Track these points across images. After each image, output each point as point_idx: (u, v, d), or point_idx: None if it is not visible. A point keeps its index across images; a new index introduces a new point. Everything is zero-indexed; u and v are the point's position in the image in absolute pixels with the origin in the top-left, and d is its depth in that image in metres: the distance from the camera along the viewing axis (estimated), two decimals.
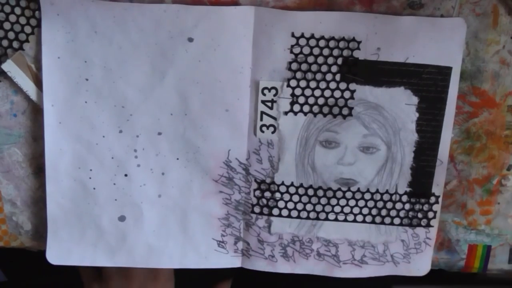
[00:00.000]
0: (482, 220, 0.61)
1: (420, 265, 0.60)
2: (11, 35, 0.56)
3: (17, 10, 0.55)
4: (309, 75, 0.55)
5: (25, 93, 0.57)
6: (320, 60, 0.54)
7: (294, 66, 0.54)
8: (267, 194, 0.58)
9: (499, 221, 0.61)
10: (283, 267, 0.61)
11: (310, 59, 0.54)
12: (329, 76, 0.55)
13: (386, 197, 0.58)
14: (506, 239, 0.62)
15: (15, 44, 0.56)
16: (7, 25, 0.55)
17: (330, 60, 0.54)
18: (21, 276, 0.92)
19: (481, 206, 0.60)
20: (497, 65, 0.56)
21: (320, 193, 0.58)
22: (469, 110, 0.57)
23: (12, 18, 0.55)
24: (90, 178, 0.59)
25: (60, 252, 0.60)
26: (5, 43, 0.56)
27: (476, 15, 0.54)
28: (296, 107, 0.55)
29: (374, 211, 0.58)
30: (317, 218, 0.59)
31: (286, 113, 0.56)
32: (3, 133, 0.59)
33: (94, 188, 0.59)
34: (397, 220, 0.58)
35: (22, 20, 0.55)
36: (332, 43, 0.54)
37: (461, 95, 0.56)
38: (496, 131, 0.58)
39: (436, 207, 0.58)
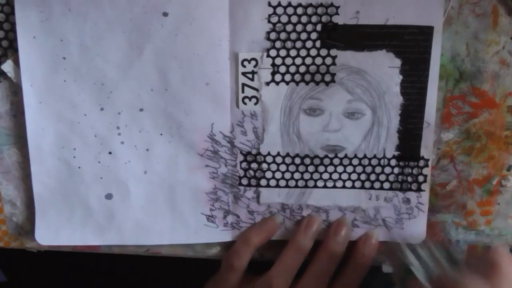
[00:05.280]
0: (482, 221, 0.65)
1: (414, 231, 0.64)
2: (11, 35, 0.60)
3: None
4: (289, 44, 0.59)
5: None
6: (299, 28, 0.58)
7: (273, 35, 0.58)
8: (254, 165, 0.63)
9: (499, 221, 0.65)
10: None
11: (289, 27, 0.58)
12: (309, 44, 0.59)
13: (374, 161, 0.62)
14: (506, 239, 0.65)
15: (15, 45, 0.60)
16: (7, 26, 0.60)
17: (309, 27, 0.58)
18: (21, 276, 0.96)
19: (481, 207, 0.64)
20: (497, 66, 0.59)
21: (307, 161, 0.62)
22: (469, 110, 0.61)
23: (12, 18, 0.59)
24: (74, 157, 0.63)
25: (49, 232, 0.65)
26: (5, 43, 0.60)
27: (476, 15, 0.58)
28: (278, 77, 0.60)
29: (363, 176, 0.63)
30: (306, 186, 0.63)
31: (267, 83, 0.60)
32: (3, 134, 0.63)
33: (79, 167, 0.64)
34: (386, 185, 0.63)
35: None
36: (310, 10, 0.57)
37: (461, 96, 0.60)
38: (496, 131, 0.61)
39: (426, 171, 0.62)
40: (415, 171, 0.62)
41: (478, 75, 0.60)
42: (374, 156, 0.62)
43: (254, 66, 0.59)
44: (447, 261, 0.56)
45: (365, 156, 0.62)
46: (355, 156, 0.62)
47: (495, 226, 0.65)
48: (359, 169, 0.63)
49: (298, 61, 0.59)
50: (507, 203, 0.64)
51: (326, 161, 0.62)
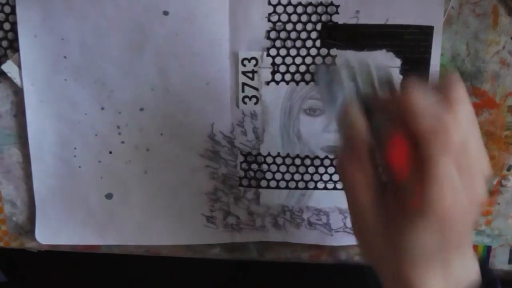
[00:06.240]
0: (482, 221, 0.65)
1: None
2: (11, 35, 0.61)
3: None
4: (289, 43, 0.59)
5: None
6: (299, 27, 0.59)
7: (273, 34, 0.59)
8: (254, 166, 0.63)
9: (499, 221, 0.65)
10: (275, 235, 0.65)
11: (289, 26, 0.59)
12: (309, 43, 0.59)
13: None
14: (506, 239, 0.66)
15: (15, 45, 0.61)
16: (7, 26, 0.60)
17: (309, 26, 0.59)
18: (21, 276, 0.97)
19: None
20: (497, 66, 0.60)
21: (308, 162, 0.63)
22: None
23: (12, 18, 0.60)
24: (75, 156, 0.64)
25: (49, 231, 0.66)
26: (5, 44, 0.61)
27: (476, 15, 0.58)
28: (278, 76, 0.60)
29: None
30: (306, 188, 0.64)
31: (267, 83, 0.60)
32: (3, 134, 0.64)
33: (79, 167, 0.64)
34: None
35: None
36: (310, 9, 0.58)
37: None
38: (496, 131, 0.62)
39: None
40: None
41: (478, 75, 0.60)
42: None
43: (254, 65, 0.60)
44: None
45: None
46: None
47: (495, 226, 0.65)
48: None
49: (298, 60, 0.60)
50: (507, 203, 0.64)
51: (327, 162, 0.63)
